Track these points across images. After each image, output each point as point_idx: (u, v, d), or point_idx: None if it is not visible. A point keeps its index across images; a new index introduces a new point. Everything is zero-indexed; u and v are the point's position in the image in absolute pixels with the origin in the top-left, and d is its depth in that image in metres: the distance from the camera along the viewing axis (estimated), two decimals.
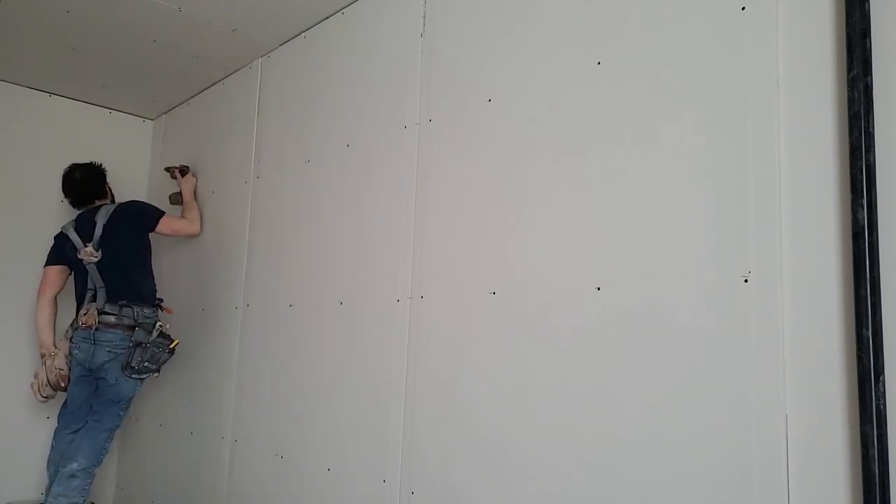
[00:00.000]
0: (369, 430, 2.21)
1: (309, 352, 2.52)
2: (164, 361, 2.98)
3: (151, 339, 2.92)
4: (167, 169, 3.46)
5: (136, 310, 2.94)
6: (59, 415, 3.09)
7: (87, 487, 2.91)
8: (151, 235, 3.14)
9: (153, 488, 3.35)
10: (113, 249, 2.99)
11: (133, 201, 3.26)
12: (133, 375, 2.91)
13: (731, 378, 1.40)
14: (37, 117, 3.56)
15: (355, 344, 2.32)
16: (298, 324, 2.59)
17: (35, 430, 3.39)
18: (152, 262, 3.16)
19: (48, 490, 2.94)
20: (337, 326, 2.41)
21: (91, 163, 3.26)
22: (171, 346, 2.98)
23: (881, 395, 1.20)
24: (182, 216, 3.27)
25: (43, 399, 3.09)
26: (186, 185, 3.33)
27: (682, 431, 1.46)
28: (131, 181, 3.74)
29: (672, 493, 1.46)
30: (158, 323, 2.96)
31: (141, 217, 3.10)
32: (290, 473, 2.51)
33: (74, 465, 2.88)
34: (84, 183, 3.19)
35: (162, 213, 3.13)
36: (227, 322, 2.99)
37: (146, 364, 2.91)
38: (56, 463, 2.98)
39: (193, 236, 3.25)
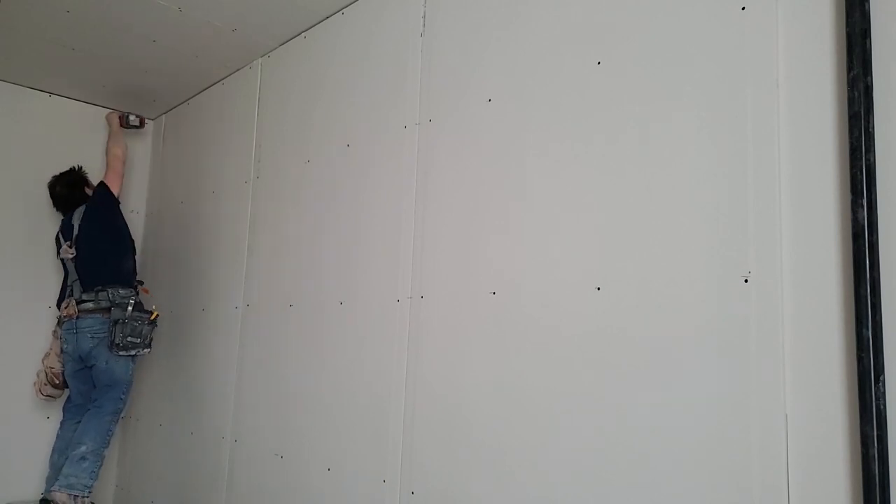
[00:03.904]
0: (369, 430, 2.21)
1: (309, 352, 2.51)
2: (149, 335, 3.01)
3: (127, 314, 2.96)
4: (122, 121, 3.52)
5: (111, 292, 2.99)
6: (64, 408, 3.17)
7: (96, 470, 2.91)
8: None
9: (153, 488, 3.34)
10: (86, 241, 3.08)
11: (94, 190, 3.27)
12: (121, 353, 2.94)
13: (731, 378, 1.40)
14: (37, 117, 3.56)
15: (355, 344, 2.32)
16: (298, 324, 2.59)
17: (35, 431, 3.39)
18: (136, 248, 3.27)
19: (49, 480, 2.97)
20: (337, 326, 2.40)
21: (71, 169, 3.33)
22: (152, 317, 3.02)
23: (881, 395, 1.20)
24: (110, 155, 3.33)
25: (45, 397, 3.14)
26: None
27: (681, 432, 1.46)
28: (131, 181, 3.73)
29: (672, 494, 1.46)
30: (132, 299, 3.00)
31: (101, 201, 3.17)
32: (290, 473, 2.51)
33: (83, 448, 2.90)
34: (66, 196, 3.28)
35: (102, 183, 3.18)
36: (227, 322, 2.99)
37: (129, 339, 2.95)
38: (60, 451, 3.03)
39: (123, 156, 3.32)
